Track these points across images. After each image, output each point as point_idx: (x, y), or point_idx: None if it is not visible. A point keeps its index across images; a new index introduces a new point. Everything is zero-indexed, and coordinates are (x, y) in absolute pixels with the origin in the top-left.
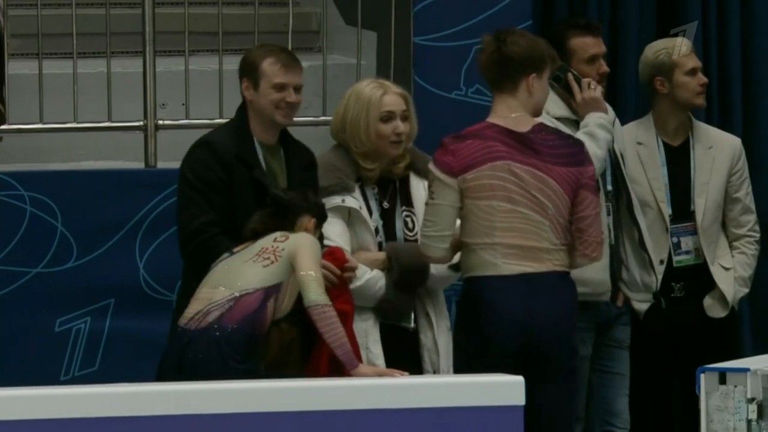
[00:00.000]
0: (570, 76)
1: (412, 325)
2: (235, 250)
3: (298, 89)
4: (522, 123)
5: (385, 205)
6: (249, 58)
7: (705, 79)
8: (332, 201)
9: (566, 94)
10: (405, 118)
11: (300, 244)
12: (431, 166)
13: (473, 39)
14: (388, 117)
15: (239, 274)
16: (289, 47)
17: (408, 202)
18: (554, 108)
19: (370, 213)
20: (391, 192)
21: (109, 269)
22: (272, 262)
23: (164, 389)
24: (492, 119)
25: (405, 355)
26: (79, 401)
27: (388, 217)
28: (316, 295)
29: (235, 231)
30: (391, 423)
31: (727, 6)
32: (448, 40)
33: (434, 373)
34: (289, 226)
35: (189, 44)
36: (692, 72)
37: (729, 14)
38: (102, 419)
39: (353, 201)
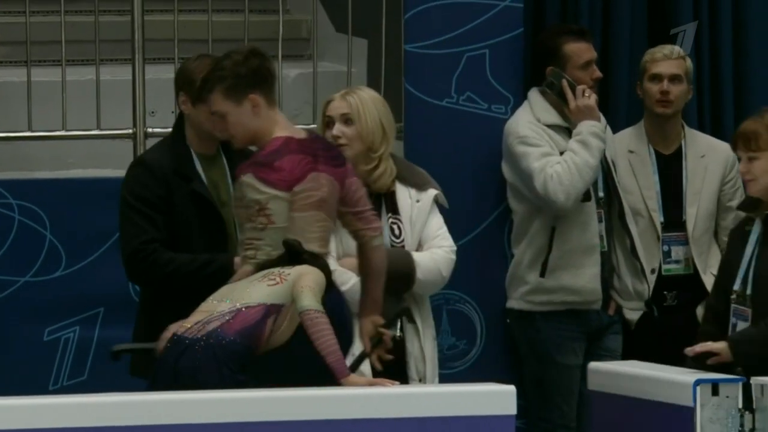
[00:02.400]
0: (564, 83)
1: (399, 333)
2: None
3: None
4: (298, 133)
5: None
6: (186, 71)
7: (665, 88)
8: None
9: (559, 101)
10: (347, 121)
11: (305, 271)
12: (262, 187)
13: (465, 46)
14: (329, 122)
15: (244, 291)
16: (279, 55)
17: (394, 209)
18: (545, 115)
19: None
20: (376, 200)
21: (98, 278)
22: (277, 283)
23: (154, 398)
24: (282, 133)
25: (390, 363)
26: (69, 410)
27: None
28: (309, 300)
29: (181, 246)
30: None
31: (718, 12)
32: (439, 47)
33: (420, 381)
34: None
35: (178, 51)
36: (655, 78)
37: (721, 20)
38: (91, 429)
39: None
